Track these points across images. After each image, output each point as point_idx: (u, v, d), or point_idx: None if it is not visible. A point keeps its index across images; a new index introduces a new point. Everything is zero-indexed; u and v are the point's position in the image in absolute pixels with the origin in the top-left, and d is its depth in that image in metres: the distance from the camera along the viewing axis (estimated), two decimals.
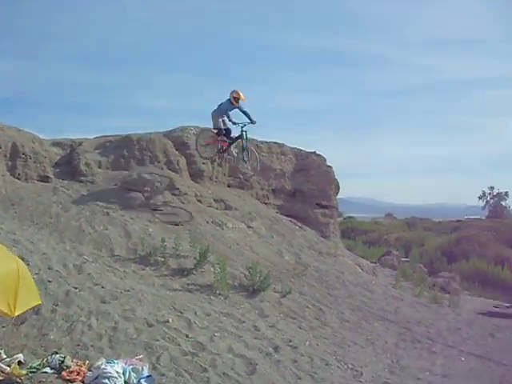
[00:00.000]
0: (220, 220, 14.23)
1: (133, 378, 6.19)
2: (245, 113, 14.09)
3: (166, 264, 10.98)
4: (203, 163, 16.22)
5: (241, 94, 14.03)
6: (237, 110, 14.11)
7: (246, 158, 14.56)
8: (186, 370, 6.78)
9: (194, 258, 11.26)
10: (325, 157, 19.66)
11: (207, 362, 7.17)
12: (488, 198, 77.25)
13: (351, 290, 13.18)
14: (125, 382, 6.11)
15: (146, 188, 13.81)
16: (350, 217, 53.93)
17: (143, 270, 10.68)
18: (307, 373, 7.92)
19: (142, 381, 6.23)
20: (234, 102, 13.96)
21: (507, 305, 16.59)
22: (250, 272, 11.07)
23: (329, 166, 19.65)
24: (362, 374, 8.56)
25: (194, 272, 11.02)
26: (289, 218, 17.58)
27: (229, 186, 17.30)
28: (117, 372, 6.09)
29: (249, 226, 14.95)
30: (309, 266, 13.60)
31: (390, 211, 76.57)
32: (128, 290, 9.04)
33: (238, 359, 7.59)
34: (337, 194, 20.05)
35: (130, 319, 7.92)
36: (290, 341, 8.98)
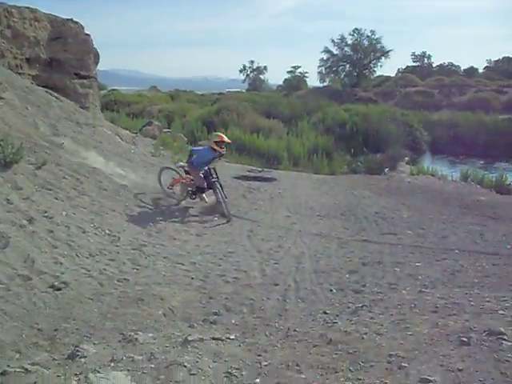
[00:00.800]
0: None
1: None
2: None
3: None
4: None
5: (224, 136, 11.82)
6: None
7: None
8: None
9: None
10: (83, 24, 18.52)
11: None
12: (248, 72, 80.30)
13: (109, 163, 13.00)
14: None
15: None
16: (113, 89, 52.76)
17: None
18: (64, 241, 7.83)
19: None
20: (216, 147, 11.50)
21: (259, 169, 17.82)
22: (1, 145, 10.33)
23: (87, 35, 18.54)
24: (119, 238, 8.72)
25: None
26: (45, 89, 16.54)
27: None
28: None
29: (0, 98, 13.79)
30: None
31: (155, 84, 76.27)
32: None
33: None
34: (96, 64, 19.23)
35: None
36: (46, 212, 8.70)
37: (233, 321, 5.96)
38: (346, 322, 5.69)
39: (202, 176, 11.47)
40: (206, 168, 11.57)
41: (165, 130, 23.22)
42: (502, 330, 4.93)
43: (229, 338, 5.34)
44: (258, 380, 4.41)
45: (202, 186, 11.51)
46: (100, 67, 20.19)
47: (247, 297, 6.74)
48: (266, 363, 4.73)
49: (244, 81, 79.88)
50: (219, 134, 12.06)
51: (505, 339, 4.74)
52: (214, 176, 11.64)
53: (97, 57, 19.16)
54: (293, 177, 16.77)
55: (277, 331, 5.63)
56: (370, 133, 26.37)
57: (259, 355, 4.94)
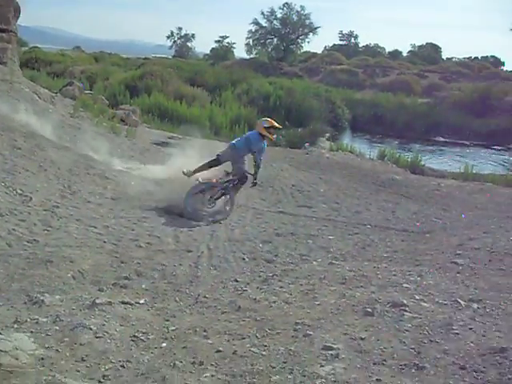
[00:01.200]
0: None
1: None
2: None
3: None
4: None
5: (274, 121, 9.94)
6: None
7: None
8: None
9: None
10: None
11: None
12: (175, 39, 79.04)
13: (25, 121, 12.44)
14: None
15: None
16: (35, 47, 50.61)
17: None
18: None
19: None
20: (266, 134, 9.76)
21: (180, 136, 17.62)
22: None
23: None
24: (31, 199, 8.39)
25: None
26: None
27: None
28: None
29: None
30: None
31: (79, 44, 73.79)
32: None
33: None
34: (17, 18, 18.26)
35: None
36: None
37: (143, 286, 5.87)
38: (256, 290, 5.74)
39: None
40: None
41: (86, 92, 22.52)
42: (405, 301, 5.11)
43: (138, 303, 5.27)
44: (164, 344, 4.39)
45: (246, 175, 9.71)
46: (21, 22, 19.22)
47: (159, 262, 6.66)
48: (173, 328, 4.71)
49: (171, 47, 78.67)
50: (268, 119, 10.19)
51: (406, 310, 4.91)
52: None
53: (17, 10, 18.16)
54: (212, 146, 16.66)
55: (187, 297, 5.60)
56: (293, 107, 26.63)
57: (167, 320, 4.91)
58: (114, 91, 25.58)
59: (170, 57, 65.75)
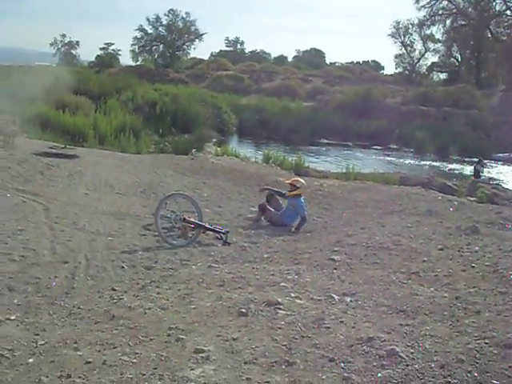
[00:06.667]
0: None
1: None
2: None
3: None
4: None
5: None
6: None
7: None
8: None
9: None
10: None
11: None
12: (59, 46, 76.83)
13: None
14: None
15: None
16: None
17: None
18: None
19: None
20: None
21: (62, 146, 17.05)
22: None
23: None
24: None
25: None
26: None
27: None
28: None
29: None
30: None
31: None
32: None
33: None
34: None
35: None
36: None
37: (15, 301, 5.59)
38: (132, 297, 5.62)
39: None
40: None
41: None
42: (280, 300, 5.17)
43: (9, 319, 5.03)
44: (31, 360, 4.21)
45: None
46: None
47: (33, 276, 6.37)
48: (42, 342, 4.53)
49: (55, 55, 76.36)
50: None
51: (281, 308, 4.97)
52: None
53: None
54: (96, 155, 16.24)
55: (61, 310, 5.40)
56: (179, 113, 26.46)
57: (37, 334, 4.72)
58: None
59: (54, 65, 63.66)
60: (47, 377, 3.90)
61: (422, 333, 4.43)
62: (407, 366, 3.86)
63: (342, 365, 3.94)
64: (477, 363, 3.83)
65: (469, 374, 3.69)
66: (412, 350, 4.09)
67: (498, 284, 5.74)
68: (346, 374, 3.80)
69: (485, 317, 4.77)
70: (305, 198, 10.63)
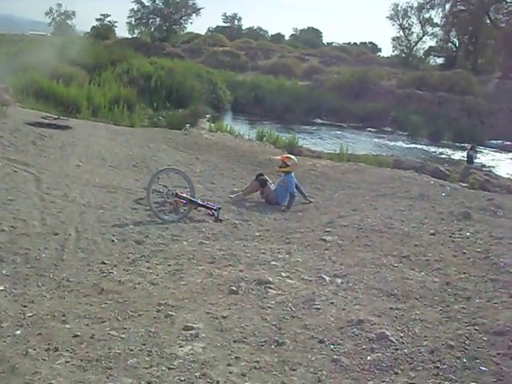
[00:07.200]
0: None
1: None
2: None
3: None
4: None
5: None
6: None
7: None
8: None
9: None
10: None
11: None
12: (55, 16, 75.96)
13: None
14: None
15: None
16: None
17: None
18: None
19: None
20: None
21: (55, 116, 16.87)
22: None
23: None
24: None
25: None
26: None
27: None
28: None
29: None
30: None
31: None
32: None
33: None
34: None
35: None
36: None
37: (4, 271, 5.53)
38: (122, 271, 5.57)
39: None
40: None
41: None
42: (270, 279, 5.15)
43: None
44: (18, 331, 4.16)
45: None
46: None
47: (23, 246, 6.29)
48: (30, 314, 4.48)
49: (50, 24, 75.42)
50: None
51: (271, 288, 4.95)
52: None
53: None
54: (89, 126, 16.07)
55: (50, 281, 5.34)
56: (174, 88, 26.21)
57: (25, 306, 4.66)
58: None
59: (49, 34, 63.00)
60: (34, 349, 3.86)
61: (412, 317, 4.43)
62: (396, 350, 3.86)
63: (332, 347, 3.94)
64: (466, 349, 3.84)
65: (458, 360, 3.69)
66: (402, 334, 4.09)
67: (489, 271, 5.75)
68: (335, 356, 3.80)
69: (475, 303, 4.78)
70: (297, 177, 10.60)
